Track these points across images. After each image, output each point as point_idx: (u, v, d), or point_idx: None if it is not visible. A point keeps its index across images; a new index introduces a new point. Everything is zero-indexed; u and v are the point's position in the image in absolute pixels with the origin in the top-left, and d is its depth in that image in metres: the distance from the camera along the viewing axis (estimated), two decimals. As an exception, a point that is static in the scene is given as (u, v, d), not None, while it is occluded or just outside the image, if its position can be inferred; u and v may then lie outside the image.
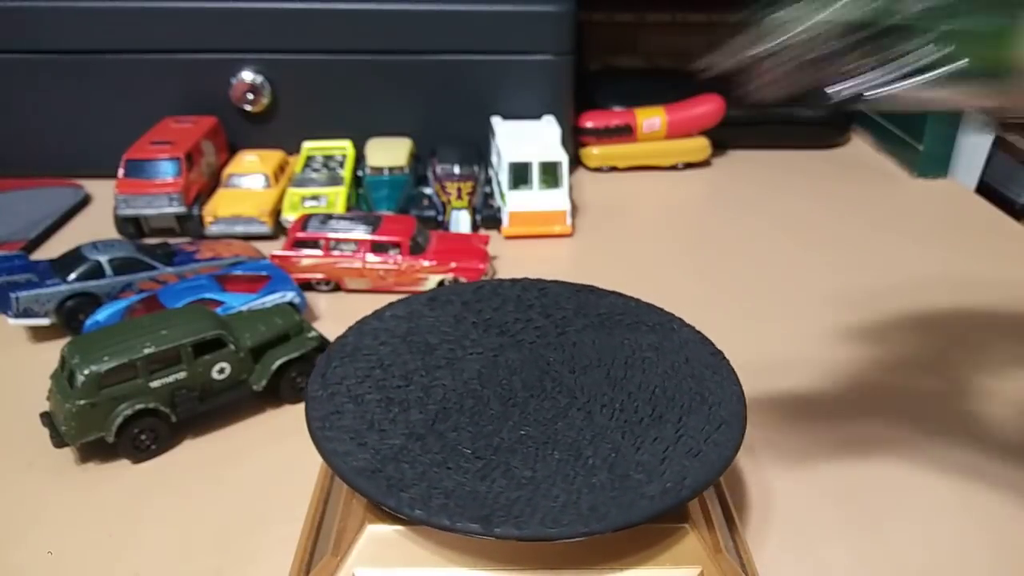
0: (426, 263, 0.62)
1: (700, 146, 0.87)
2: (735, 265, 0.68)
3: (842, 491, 0.44)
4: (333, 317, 0.60)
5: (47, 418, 0.45)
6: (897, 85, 0.31)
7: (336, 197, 0.71)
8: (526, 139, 0.76)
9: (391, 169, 0.75)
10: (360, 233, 0.62)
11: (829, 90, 0.33)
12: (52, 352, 0.55)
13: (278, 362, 0.49)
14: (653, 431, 0.36)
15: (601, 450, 0.35)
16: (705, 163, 0.88)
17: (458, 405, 0.37)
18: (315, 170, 0.75)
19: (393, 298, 0.61)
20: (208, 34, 0.77)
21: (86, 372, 0.43)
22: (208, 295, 0.54)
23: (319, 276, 0.62)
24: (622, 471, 0.34)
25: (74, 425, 0.44)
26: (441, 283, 0.62)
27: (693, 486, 0.33)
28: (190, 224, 0.70)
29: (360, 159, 0.78)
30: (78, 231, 0.72)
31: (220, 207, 0.70)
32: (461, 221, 0.71)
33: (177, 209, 0.69)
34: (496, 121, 0.80)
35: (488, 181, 0.77)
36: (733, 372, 0.40)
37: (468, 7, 0.78)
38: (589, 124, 0.85)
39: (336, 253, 0.62)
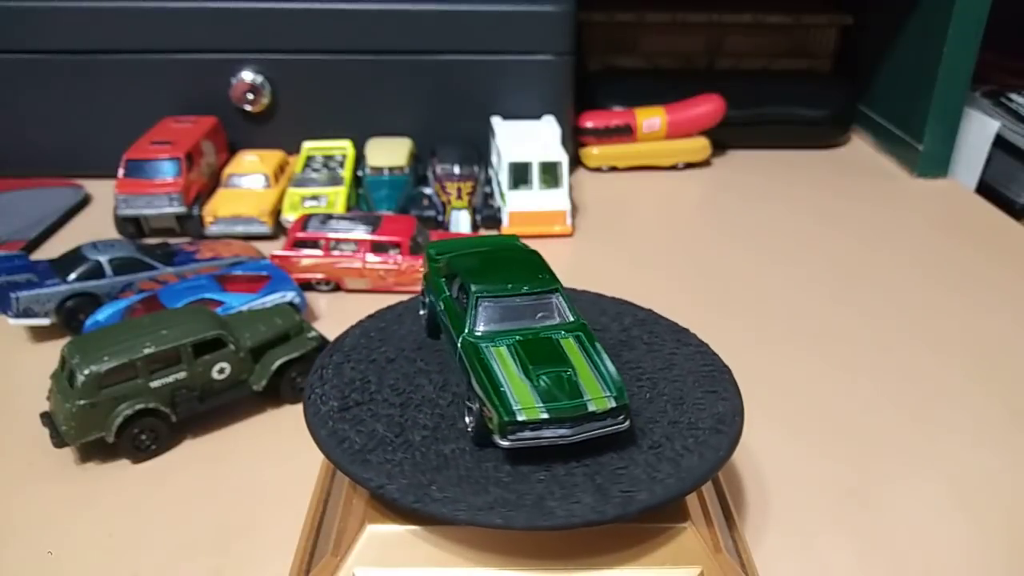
0: (426, 263, 0.62)
1: (700, 146, 0.87)
2: (734, 265, 0.68)
3: (842, 491, 0.44)
4: (333, 317, 0.60)
5: (47, 418, 0.45)
6: None
7: (336, 197, 0.71)
8: (526, 139, 0.76)
9: (391, 169, 0.75)
10: (360, 233, 0.62)
11: None
12: (52, 352, 0.55)
13: (278, 362, 0.49)
14: (650, 428, 0.36)
15: (600, 447, 0.35)
16: (705, 163, 0.88)
17: (458, 404, 0.37)
18: (315, 170, 0.75)
19: (394, 298, 0.61)
20: (208, 34, 0.77)
21: (86, 372, 0.43)
22: (208, 295, 0.54)
23: (319, 276, 0.62)
24: (620, 466, 0.34)
25: (74, 425, 0.44)
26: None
27: (690, 481, 0.33)
28: (190, 224, 0.70)
29: (360, 159, 0.78)
30: (78, 231, 0.72)
31: (220, 207, 0.70)
32: (461, 221, 0.71)
33: (177, 209, 0.69)
34: (496, 121, 0.80)
35: (488, 181, 0.77)
36: (730, 371, 0.40)
37: (468, 7, 0.78)
38: (589, 124, 0.85)
39: (336, 253, 0.62)
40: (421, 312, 0.43)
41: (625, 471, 0.33)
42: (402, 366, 0.40)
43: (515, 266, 0.39)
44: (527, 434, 0.33)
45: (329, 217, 0.64)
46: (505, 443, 0.33)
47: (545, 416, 0.33)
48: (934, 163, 0.86)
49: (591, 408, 0.34)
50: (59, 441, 0.44)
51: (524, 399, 0.34)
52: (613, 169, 0.87)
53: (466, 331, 0.37)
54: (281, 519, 0.41)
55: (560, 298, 0.38)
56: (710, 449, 0.35)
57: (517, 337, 0.36)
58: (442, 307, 0.39)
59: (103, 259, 0.57)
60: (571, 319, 0.38)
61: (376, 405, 0.37)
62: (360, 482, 0.33)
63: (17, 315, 0.55)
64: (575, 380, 0.35)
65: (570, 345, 0.37)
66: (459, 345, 0.36)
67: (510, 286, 0.37)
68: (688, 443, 0.35)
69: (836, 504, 0.44)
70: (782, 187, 0.83)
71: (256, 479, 0.45)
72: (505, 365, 0.35)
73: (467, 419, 0.36)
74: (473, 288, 0.37)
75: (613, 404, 0.34)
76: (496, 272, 0.38)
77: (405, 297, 0.46)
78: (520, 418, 0.33)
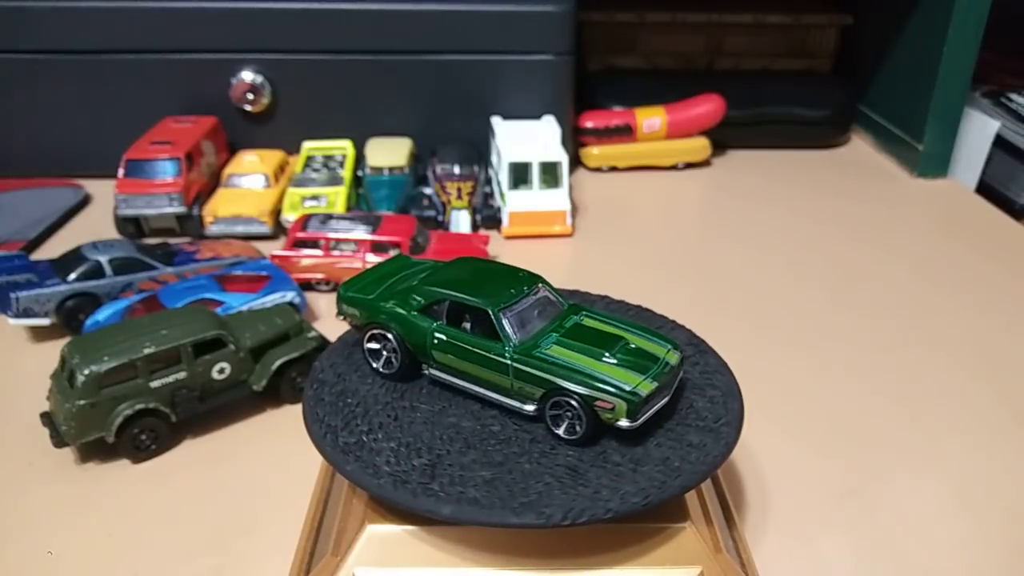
0: (426, 263, 0.62)
1: (700, 146, 0.87)
2: (734, 265, 0.68)
3: (842, 491, 0.44)
4: (333, 317, 0.60)
5: (47, 418, 0.45)
6: None
7: (336, 197, 0.71)
8: (526, 139, 0.76)
9: (391, 169, 0.75)
10: (360, 233, 0.62)
11: None
12: (52, 352, 0.55)
13: (278, 362, 0.49)
14: (651, 428, 0.36)
15: (599, 446, 0.35)
16: (705, 163, 0.88)
17: (458, 405, 0.37)
18: (315, 170, 0.75)
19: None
20: (208, 34, 0.77)
21: (86, 372, 0.43)
22: (208, 295, 0.54)
23: (319, 276, 0.62)
24: (619, 466, 0.34)
25: (74, 425, 0.44)
26: (441, 283, 0.62)
27: (689, 481, 0.33)
28: (190, 224, 0.70)
29: (360, 159, 0.78)
30: (78, 231, 0.72)
31: (220, 207, 0.70)
32: (461, 221, 0.71)
33: (177, 209, 0.69)
34: (496, 121, 0.80)
35: (488, 181, 0.77)
36: (730, 371, 0.40)
37: (468, 7, 0.78)
38: (589, 124, 0.85)
39: (336, 253, 0.62)
40: (377, 362, 0.39)
41: (623, 469, 0.33)
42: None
43: (488, 275, 0.39)
44: (646, 408, 0.34)
45: (329, 217, 0.64)
46: (632, 424, 0.34)
47: (655, 385, 0.35)
48: (934, 163, 0.86)
49: (672, 363, 0.36)
50: (59, 441, 0.44)
51: (627, 378, 0.34)
52: (613, 169, 0.87)
53: (510, 346, 0.36)
54: (281, 519, 0.41)
55: (547, 287, 0.39)
56: (710, 447, 0.35)
57: (552, 333, 0.37)
58: (443, 337, 0.37)
59: (103, 259, 0.57)
60: (565, 303, 0.39)
61: (377, 405, 0.37)
62: (356, 481, 0.33)
63: (17, 315, 0.55)
64: (639, 347, 0.36)
65: (594, 322, 0.38)
66: (512, 360, 0.36)
67: (512, 291, 0.37)
68: (688, 441, 0.35)
69: (836, 504, 0.44)
70: (782, 187, 0.83)
71: (256, 479, 0.45)
72: (576, 358, 0.35)
73: (561, 427, 0.35)
74: (487, 305, 0.36)
75: (679, 354, 0.37)
76: (483, 285, 0.38)
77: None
78: (643, 394, 0.34)
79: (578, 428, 0.35)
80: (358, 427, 0.36)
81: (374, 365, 0.39)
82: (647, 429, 0.36)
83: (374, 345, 0.39)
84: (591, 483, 0.33)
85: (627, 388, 0.34)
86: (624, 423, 0.34)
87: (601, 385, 0.34)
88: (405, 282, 0.41)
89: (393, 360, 0.39)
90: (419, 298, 0.38)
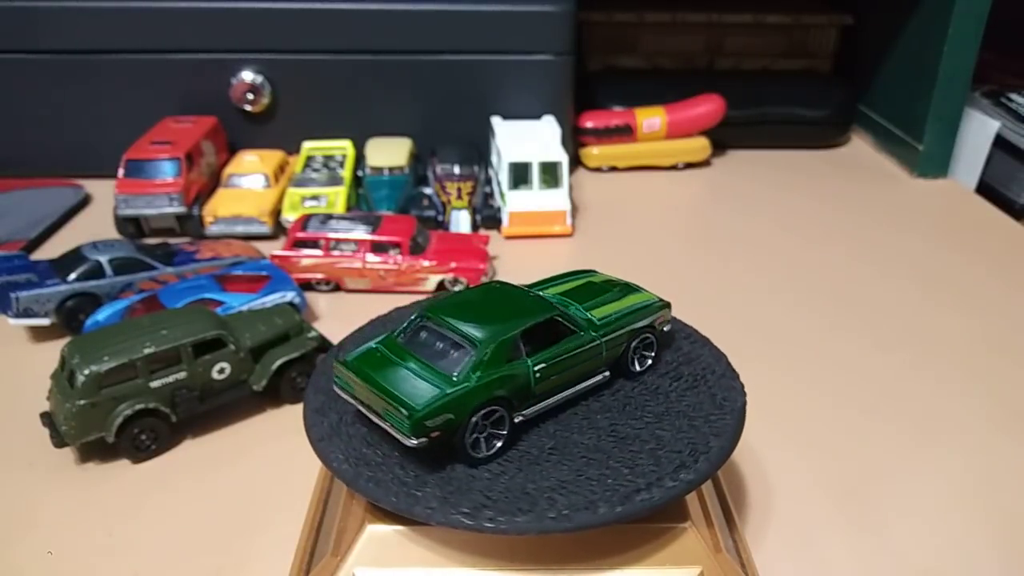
0: (426, 263, 0.62)
1: (700, 146, 0.87)
2: (735, 265, 0.68)
3: (842, 491, 0.44)
4: (333, 317, 0.60)
5: (47, 418, 0.45)
6: None
7: (336, 197, 0.71)
8: (526, 139, 0.76)
9: (391, 169, 0.75)
10: (360, 233, 0.62)
11: None
12: (52, 352, 0.55)
13: (278, 362, 0.49)
14: (651, 428, 0.36)
15: (600, 446, 0.35)
16: (705, 163, 0.89)
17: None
18: (315, 170, 0.75)
19: (393, 298, 0.61)
20: (208, 34, 0.77)
21: (86, 372, 0.43)
22: (208, 295, 0.54)
23: (319, 276, 0.62)
24: (619, 467, 0.34)
25: (74, 425, 0.44)
26: (441, 283, 0.62)
27: (690, 482, 0.33)
28: (190, 224, 0.70)
29: (360, 159, 0.78)
30: (78, 231, 0.72)
31: (220, 207, 0.70)
32: (461, 221, 0.71)
33: (177, 209, 0.69)
34: (496, 121, 0.80)
35: (488, 181, 0.77)
36: (732, 370, 0.40)
37: (468, 7, 0.78)
38: (589, 124, 0.85)
39: (336, 253, 0.62)
40: (483, 451, 0.34)
41: (622, 471, 0.33)
42: None
43: (480, 299, 0.38)
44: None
45: (329, 217, 0.64)
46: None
47: None
48: (934, 163, 0.86)
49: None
50: (59, 441, 0.44)
51: (652, 295, 0.42)
52: (613, 169, 0.87)
53: (593, 328, 0.38)
54: (281, 519, 0.41)
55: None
56: (711, 448, 0.35)
57: (575, 306, 0.40)
58: (542, 364, 0.36)
59: (103, 259, 0.57)
60: (530, 290, 0.40)
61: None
62: (359, 491, 0.33)
63: (17, 315, 0.55)
64: (627, 283, 0.42)
65: (569, 287, 0.42)
66: (600, 337, 0.38)
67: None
68: (690, 442, 0.35)
69: (836, 504, 0.44)
70: (782, 187, 0.83)
71: (256, 479, 0.45)
72: (618, 306, 0.40)
73: (638, 363, 0.39)
74: (549, 311, 0.37)
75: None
76: (498, 305, 0.37)
77: (405, 299, 0.46)
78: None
79: (649, 357, 0.40)
80: (359, 429, 0.36)
81: (482, 455, 0.34)
82: (647, 430, 0.36)
83: (476, 435, 0.34)
84: (592, 486, 0.33)
85: (661, 298, 0.41)
86: (669, 326, 0.41)
87: (651, 308, 0.40)
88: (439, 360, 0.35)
89: (500, 432, 0.35)
90: (490, 355, 0.35)
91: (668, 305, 0.41)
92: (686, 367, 0.40)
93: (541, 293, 0.40)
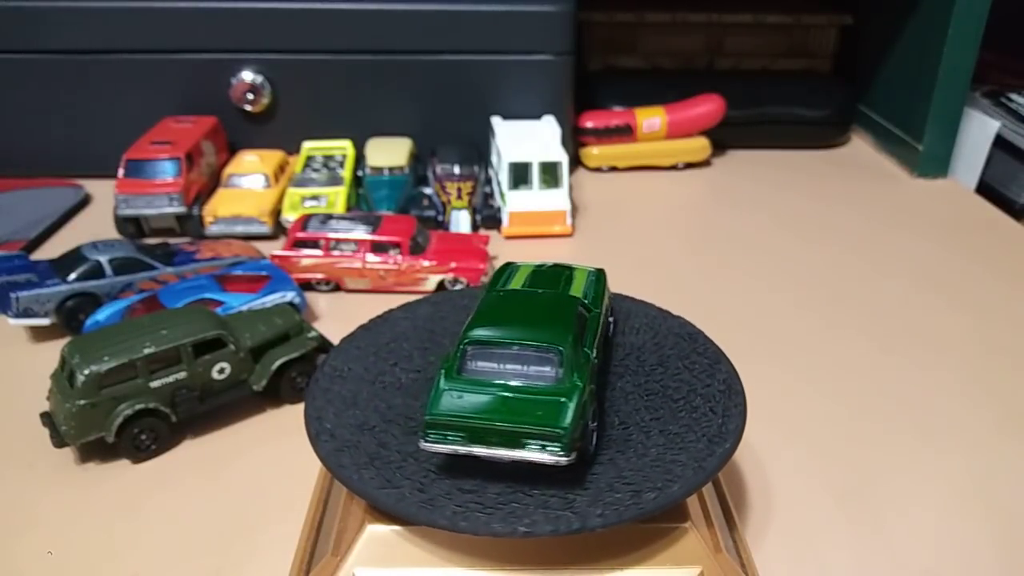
0: (426, 263, 0.62)
1: (700, 146, 0.87)
2: (735, 265, 0.68)
3: (842, 491, 0.44)
4: (333, 317, 0.60)
5: (47, 418, 0.45)
6: None
7: (336, 197, 0.71)
8: (526, 139, 0.76)
9: (391, 169, 0.75)
10: (360, 233, 0.62)
11: None
12: (52, 352, 0.55)
13: (278, 362, 0.49)
14: (652, 429, 0.36)
15: (600, 447, 0.35)
16: (705, 163, 0.88)
17: None
18: (315, 170, 0.75)
19: (393, 298, 0.61)
20: (208, 34, 0.77)
21: (86, 372, 0.43)
22: (208, 295, 0.54)
23: (319, 276, 0.62)
24: (619, 469, 0.34)
25: (74, 425, 0.44)
26: (441, 283, 0.62)
27: (690, 485, 0.33)
28: (190, 224, 0.70)
29: (360, 159, 0.78)
30: (78, 231, 0.72)
31: (220, 207, 0.70)
32: (461, 221, 0.71)
33: (177, 209, 0.69)
34: (496, 121, 0.80)
35: (488, 181, 0.77)
36: (734, 370, 0.40)
37: (468, 7, 0.78)
38: (589, 124, 0.85)
39: (336, 253, 0.62)
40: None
41: (625, 475, 0.33)
42: (407, 370, 0.40)
43: (516, 304, 0.38)
44: None
45: (329, 217, 0.64)
46: None
47: None
48: (934, 163, 0.86)
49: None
50: (59, 441, 0.44)
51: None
52: (613, 169, 0.87)
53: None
54: (281, 519, 0.41)
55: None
56: (712, 449, 0.35)
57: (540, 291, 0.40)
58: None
59: (103, 259, 0.57)
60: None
61: (378, 410, 0.37)
62: (360, 494, 0.33)
63: (17, 315, 0.55)
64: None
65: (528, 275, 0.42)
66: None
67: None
68: (690, 443, 0.35)
69: (836, 504, 0.44)
70: (782, 187, 0.83)
71: (256, 479, 0.45)
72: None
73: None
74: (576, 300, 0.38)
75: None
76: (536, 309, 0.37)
77: (405, 298, 0.46)
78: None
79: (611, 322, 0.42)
80: (359, 431, 0.36)
81: (592, 448, 0.35)
82: (648, 431, 0.36)
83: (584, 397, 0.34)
84: (593, 488, 0.33)
85: (594, 267, 0.43)
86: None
87: (601, 279, 0.42)
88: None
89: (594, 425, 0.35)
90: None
91: (604, 271, 0.43)
92: (686, 367, 0.40)
93: (516, 288, 0.40)
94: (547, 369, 0.34)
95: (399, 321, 0.44)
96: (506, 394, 0.34)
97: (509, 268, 0.42)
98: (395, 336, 0.42)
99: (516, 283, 0.40)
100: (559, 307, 0.37)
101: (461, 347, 0.35)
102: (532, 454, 0.32)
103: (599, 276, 0.42)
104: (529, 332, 0.35)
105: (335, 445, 0.35)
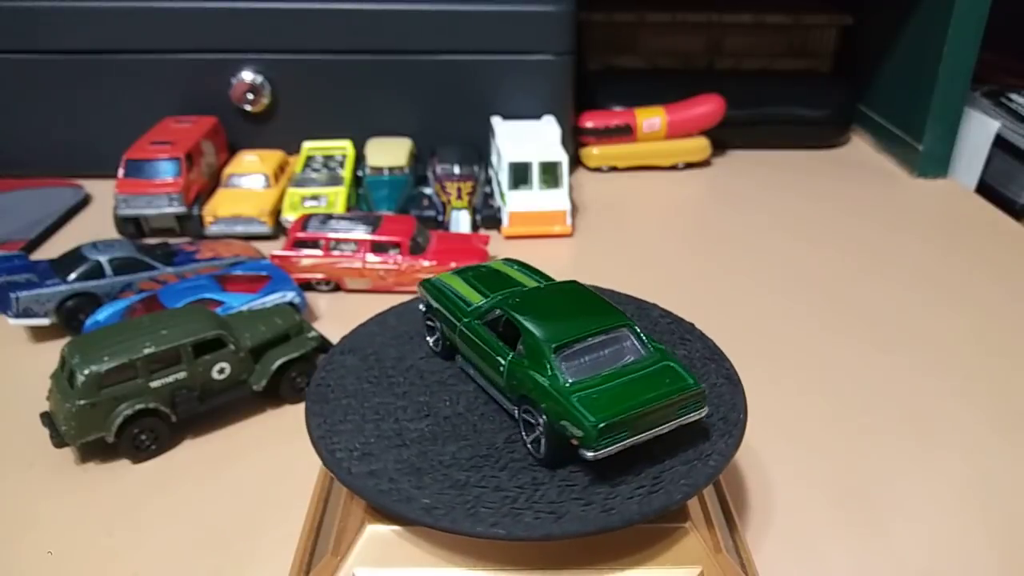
0: (426, 263, 0.62)
1: (700, 146, 0.87)
2: (735, 265, 0.68)
3: (842, 491, 0.44)
4: (333, 317, 0.60)
5: (47, 418, 0.45)
6: None
7: (336, 197, 0.71)
8: (526, 139, 0.76)
9: (391, 169, 0.75)
10: (360, 233, 0.62)
11: None
12: (52, 352, 0.55)
13: (278, 362, 0.49)
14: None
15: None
16: (705, 163, 0.88)
17: (458, 408, 0.37)
18: (315, 170, 0.75)
19: (393, 298, 0.61)
20: (208, 34, 0.77)
21: (86, 372, 0.43)
22: (208, 295, 0.54)
23: (319, 276, 0.62)
24: (619, 470, 0.34)
25: (74, 425, 0.44)
26: (441, 283, 0.62)
27: (691, 486, 0.33)
28: (190, 224, 0.70)
29: (360, 159, 0.78)
30: (78, 231, 0.72)
31: (220, 207, 0.70)
32: (461, 221, 0.71)
33: (177, 209, 0.69)
34: (496, 121, 0.80)
35: (488, 181, 0.77)
36: (733, 370, 0.40)
37: (468, 7, 0.78)
38: (589, 124, 0.85)
39: (336, 253, 0.62)
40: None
41: (624, 475, 0.33)
42: (406, 370, 0.40)
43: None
44: None
45: (329, 217, 0.64)
46: None
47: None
48: (934, 163, 0.86)
49: None
50: (59, 441, 0.44)
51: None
52: (613, 169, 0.87)
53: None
54: (281, 519, 0.41)
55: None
56: (712, 449, 0.35)
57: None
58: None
59: (103, 259, 0.57)
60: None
61: (377, 410, 0.37)
62: (360, 494, 0.33)
63: (17, 315, 0.55)
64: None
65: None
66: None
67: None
68: (691, 445, 0.35)
69: (836, 504, 0.44)
70: (782, 187, 0.83)
71: (256, 479, 0.45)
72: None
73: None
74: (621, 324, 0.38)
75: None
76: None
77: (405, 298, 0.46)
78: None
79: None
80: (359, 431, 0.36)
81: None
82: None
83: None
84: (593, 490, 0.33)
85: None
86: None
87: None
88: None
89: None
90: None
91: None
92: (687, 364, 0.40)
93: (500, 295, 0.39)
94: (628, 344, 0.35)
95: (399, 320, 0.44)
96: (632, 376, 0.34)
97: (437, 282, 0.41)
98: (396, 335, 0.42)
99: (471, 294, 0.40)
100: (582, 294, 0.38)
101: (552, 352, 0.34)
102: (685, 419, 0.34)
103: (521, 265, 0.43)
104: (593, 320, 0.35)
105: (335, 445, 0.35)
